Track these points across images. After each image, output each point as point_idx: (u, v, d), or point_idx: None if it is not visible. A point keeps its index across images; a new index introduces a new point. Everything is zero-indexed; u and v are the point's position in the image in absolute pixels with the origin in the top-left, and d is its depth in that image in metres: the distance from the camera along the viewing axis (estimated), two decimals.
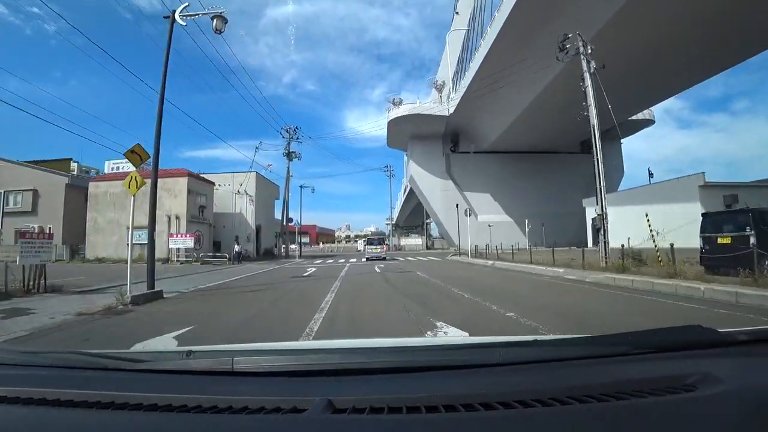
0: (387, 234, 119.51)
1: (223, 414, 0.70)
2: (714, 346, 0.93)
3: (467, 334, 4.18)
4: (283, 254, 30.39)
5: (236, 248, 22.37)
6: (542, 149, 45.13)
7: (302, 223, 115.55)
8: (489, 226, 33.22)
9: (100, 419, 0.72)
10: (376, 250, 23.85)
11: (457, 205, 28.35)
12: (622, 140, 49.49)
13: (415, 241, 45.38)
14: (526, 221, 35.57)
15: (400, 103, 42.47)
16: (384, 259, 23.73)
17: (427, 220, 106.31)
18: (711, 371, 0.76)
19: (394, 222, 63.73)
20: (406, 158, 79.24)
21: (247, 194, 26.66)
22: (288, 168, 30.58)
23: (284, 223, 30.96)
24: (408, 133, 43.13)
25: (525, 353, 0.99)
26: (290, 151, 30.90)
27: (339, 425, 0.65)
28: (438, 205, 43.35)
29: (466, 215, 22.95)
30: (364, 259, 23.57)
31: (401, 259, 24.02)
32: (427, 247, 46.15)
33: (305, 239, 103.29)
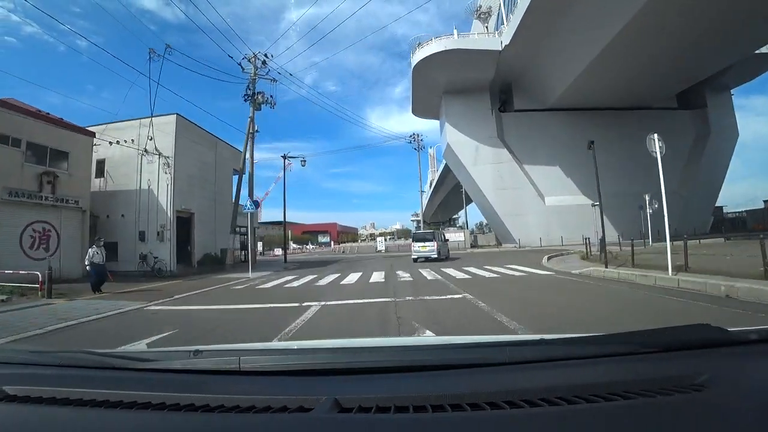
0: (415, 230, 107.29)
1: (230, 413, 0.68)
2: (723, 346, 0.89)
3: None
4: (244, 260, 17.87)
5: (92, 256, 9.77)
6: (626, 104, 30.99)
7: (322, 222, 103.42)
8: (593, 205, 19.52)
9: (109, 418, 0.70)
10: (424, 248, 17.08)
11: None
12: (732, 91, 34.65)
13: (455, 236, 32.00)
14: (647, 199, 21.47)
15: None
16: (438, 260, 16.58)
17: (455, 216, 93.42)
18: (720, 371, 0.74)
19: (422, 217, 50.70)
20: (431, 151, 66.18)
21: (159, 155, 14.13)
22: (252, 119, 17.97)
23: (251, 213, 18.44)
24: (442, 84, 29.78)
25: (532, 352, 0.95)
26: (254, 91, 18.32)
27: (345, 424, 0.64)
28: (486, 183, 29.70)
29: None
30: (379, 276, 10.82)
31: (462, 275, 10.75)
32: (471, 245, 32.61)
33: (325, 238, 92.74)
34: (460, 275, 9.97)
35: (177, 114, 14.61)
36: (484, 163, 29.80)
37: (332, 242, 65.58)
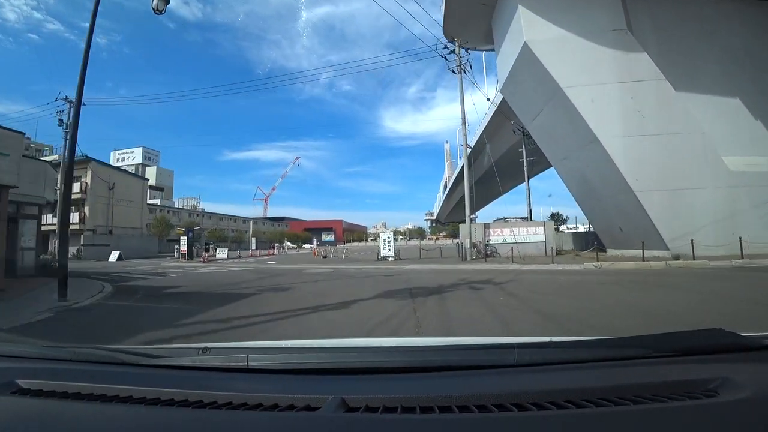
0: (427, 231, 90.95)
1: (237, 410, 0.68)
2: (736, 351, 0.86)
3: None
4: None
5: None
6: None
7: (323, 219, 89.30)
8: None
9: (119, 413, 0.70)
10: None
11: None
12: None
13: (527, 234, 16.27)
14: None
15: None
16: None
17: (472, 216, 78.21)
18: (733, 376, 0.71)
19: (466, 168, 35.30)
20: (447, 146, 51.16)
21: None
22: None
23: None
24: None
25: (540, 355, 0.91)
26: None
27: (352, 424, 0.63)
28: (606, 123, 13.85)
29: None
30: None
31: None
32: (557, 252, 16.61)
33: (329, 236, 78.23)
34: None
35: None
36: (600, 81, 13.91)
37: (321, 242, 49.87)
